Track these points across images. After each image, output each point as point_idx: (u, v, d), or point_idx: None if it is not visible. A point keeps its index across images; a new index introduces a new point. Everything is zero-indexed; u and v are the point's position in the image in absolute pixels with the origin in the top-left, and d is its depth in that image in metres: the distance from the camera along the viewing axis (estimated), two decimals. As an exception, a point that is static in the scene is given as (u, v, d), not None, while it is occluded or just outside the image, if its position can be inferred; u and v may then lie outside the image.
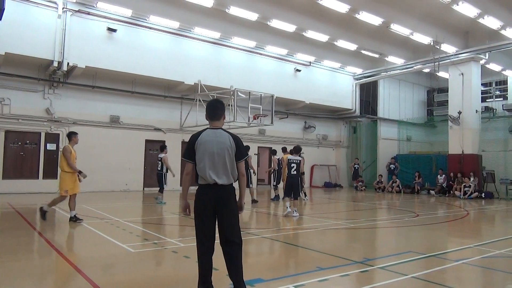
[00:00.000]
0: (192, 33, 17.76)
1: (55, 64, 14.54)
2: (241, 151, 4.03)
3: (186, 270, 5.35)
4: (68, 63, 14.77)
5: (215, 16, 16.52)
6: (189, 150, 4.02)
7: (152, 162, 18.13)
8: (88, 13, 15.27)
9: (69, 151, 8.41)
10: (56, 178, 15.61)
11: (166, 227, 9.08)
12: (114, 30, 15.71)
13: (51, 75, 15.46)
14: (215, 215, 3.96)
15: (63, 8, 14.67)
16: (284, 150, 13.76)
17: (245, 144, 5.07)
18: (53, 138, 15.81)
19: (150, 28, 16.70)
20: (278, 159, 14.81)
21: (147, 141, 17.97)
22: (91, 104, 16.52)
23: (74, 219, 8.53)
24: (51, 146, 15.74)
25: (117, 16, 15.82)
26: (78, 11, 15.06)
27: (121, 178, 16.99)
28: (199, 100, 17.11)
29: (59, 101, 15.83)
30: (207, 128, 4.12)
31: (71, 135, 8.80)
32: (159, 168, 12.75)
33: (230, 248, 3.96)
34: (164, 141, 16.91)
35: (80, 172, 8.52)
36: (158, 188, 12.98)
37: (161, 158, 12.74)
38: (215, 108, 4.13)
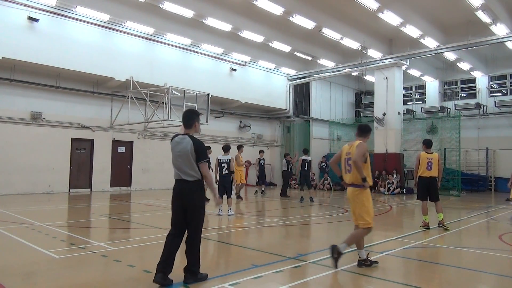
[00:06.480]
0: (124, 27, 17.02)
1: (-35, 54, 13.15)
2: (199, 155, 4.60)
3: (116, 275, 5.11)
4: (-19, 54, 13.43)
5: (148, 10, 15.99)
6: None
7: (79, 162, 17.14)
8: (5, 0, 13.98)
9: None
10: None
11: (94, 230, 8.59)
12: (36, 20, 14.54)
13: (-40, 66, 13.95)
14: (183, 207, 4.57)
15: (-25, -8, 13.30)
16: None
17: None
18: (-37, 135, 14.28)
19: (77, 19, 15.70)
20: None
21: (73, 140, 16.89)
22: (9, 99, 15.13)
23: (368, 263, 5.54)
24: (-40, 145, 14.21)
25: (39, 4, 14.65)
26: (-6, -4, 13.76)
27: (43, 179, 15.79)
28: (131, 97, 16.46)
29: (-29, 95, 14.33)
30: (179, 134, 4.76)
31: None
32: (305, 169, 15.03)
33: (189, 234, 4.64)
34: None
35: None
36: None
37: (310, 160, 15.13)
38: (188, 119, 4.77)
